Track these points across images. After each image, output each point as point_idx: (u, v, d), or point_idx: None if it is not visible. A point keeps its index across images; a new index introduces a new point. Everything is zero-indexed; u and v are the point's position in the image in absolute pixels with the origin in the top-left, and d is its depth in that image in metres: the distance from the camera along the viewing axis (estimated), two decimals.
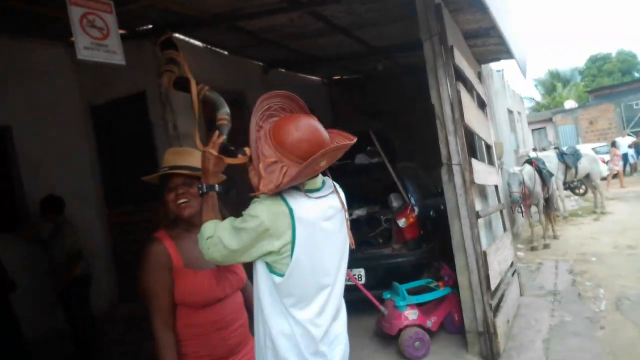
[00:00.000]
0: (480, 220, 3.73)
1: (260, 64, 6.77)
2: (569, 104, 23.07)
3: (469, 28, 4.91)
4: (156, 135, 5.05)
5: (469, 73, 4.18)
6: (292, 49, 5.92)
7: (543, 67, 39.70)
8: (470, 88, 4.25)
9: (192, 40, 5.45)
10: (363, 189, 5.22)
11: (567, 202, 10.72)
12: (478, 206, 3.69)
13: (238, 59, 6.28)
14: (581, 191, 12.62)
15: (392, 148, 4.91)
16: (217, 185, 1.58)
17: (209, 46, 5.70)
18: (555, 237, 7.90)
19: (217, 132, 1.62)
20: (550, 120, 21.96)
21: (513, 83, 11.35)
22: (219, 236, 1.44)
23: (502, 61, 7.60)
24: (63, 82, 5.27)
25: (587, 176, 9.81)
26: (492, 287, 3.56)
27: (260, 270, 1.47)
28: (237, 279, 1.77)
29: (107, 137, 5.48)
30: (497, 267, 3.80)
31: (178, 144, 5.05)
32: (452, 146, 3.45)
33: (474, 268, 3.46)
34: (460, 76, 3.82)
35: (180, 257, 1.67)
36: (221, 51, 5.92)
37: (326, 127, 1.54)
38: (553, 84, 28.93)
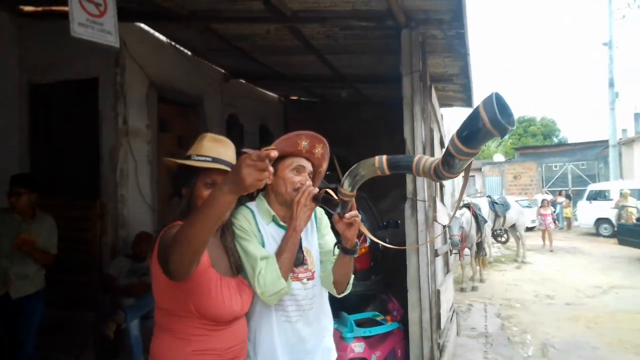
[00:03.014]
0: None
1: (222, 71, 6.57)
2: (498, 157, 24.86)
3: (434, 72, 5.08)
4: (103, 127, 4.66)
5: (438, 113, 4.30)
6: (259, 61, 5.79)
7: None
8: (438, 128, 4.38)
9: (156, 33, 5.18)
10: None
11: (492, 248, 11.33)
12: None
13: (200, 61, 6.05)
14: (503, 239, 13.43)
15: None
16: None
17: (173, 43, 5.44)
18: (482, 280, 8.28)
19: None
20: (479, 170, 23.43)
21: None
22: None
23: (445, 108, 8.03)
24: (1, 52, 4.76)
25: (513, 226, 10.46)
26: (442, 326, 3.58)
27: None
28: (250, 294, 1.54)
29: (45, 120, 4.99)
30: (445, 306, 3.84)
31: (126, 140, 4.72)
32: (419, 182, 3.47)
33: (427, 305, 3.45)
34: (431, 115, 3.90)
35: (207, 252, 1.39)
36: (185, 51, 5.67)
37: None
38: None
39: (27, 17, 4.81)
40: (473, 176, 23.99)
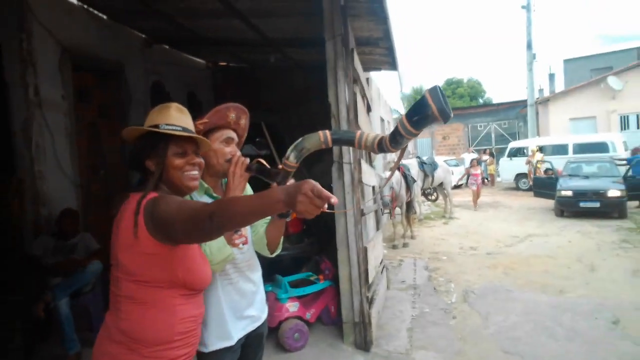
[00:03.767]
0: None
1: (143, 35, 6.24)
2: None
3: (360, 35, 5.15)
4: (12, 99, 4.33)
5: (362, 77, 4.40)
6: (182, 25, 5.56)
7: (407, 85, 43.77)
8: (362, 92, 4.47)
9: None
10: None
11: (422, 206, 11.93)
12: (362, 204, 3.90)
13: (118, 26, 5.70)
14: (433, 197, 14.16)
15: (282, 141, 4.92)
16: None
17: (85, 6, 5.08)
18: (412, 237, 8.75)
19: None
20: None
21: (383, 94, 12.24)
22: None
23: (374, 72, 8.20)
24: None
25: (441, 184, 11.05)
26: (370, 281, 3.80)
27: None
28: None
29: None
30: (373, 262, 4.07)
31: (40, 112, 4.43)
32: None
33: (355, 262, 3.64)
34: (356, 79, 3.99)
35: None
36: (100, 14, 5.31)
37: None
38: (415, 99, 31.97)
39: None
40: None
